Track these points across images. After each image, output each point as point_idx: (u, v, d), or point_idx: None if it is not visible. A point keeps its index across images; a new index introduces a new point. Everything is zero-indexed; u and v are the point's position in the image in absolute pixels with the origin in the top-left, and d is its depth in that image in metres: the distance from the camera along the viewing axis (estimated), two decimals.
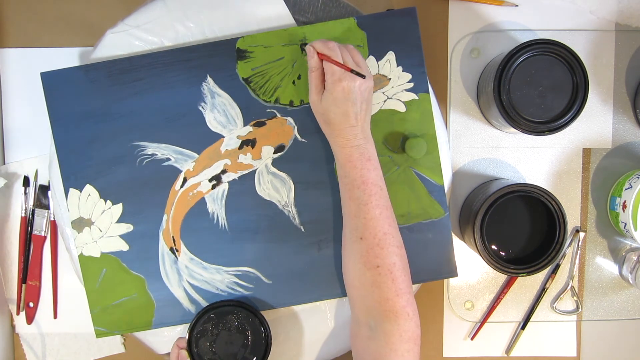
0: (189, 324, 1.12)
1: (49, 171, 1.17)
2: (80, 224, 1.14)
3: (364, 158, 1.03)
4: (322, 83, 1.05)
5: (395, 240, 1.02)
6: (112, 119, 1.14)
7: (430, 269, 1.13)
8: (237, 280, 1.15)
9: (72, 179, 1.14)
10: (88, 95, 1.13)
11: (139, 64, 1.13)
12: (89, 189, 1.14)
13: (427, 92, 1.14)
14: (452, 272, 1.16)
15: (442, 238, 1.16)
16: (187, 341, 1.10)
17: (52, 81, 1.13)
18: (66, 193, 1.14)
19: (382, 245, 1.01)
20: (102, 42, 1.15)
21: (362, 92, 1.02)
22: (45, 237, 1.25)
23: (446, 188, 1.16)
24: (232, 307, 1.11)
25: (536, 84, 1.10)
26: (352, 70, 1.00)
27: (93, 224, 1.14)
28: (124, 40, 1.15)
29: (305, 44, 1.13)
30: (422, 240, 1.15)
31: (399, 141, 1.15)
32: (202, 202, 1.15)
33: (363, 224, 1.02)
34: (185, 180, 1.14)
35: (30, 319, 1.25)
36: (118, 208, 1.14)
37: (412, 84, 1.14)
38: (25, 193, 1.24)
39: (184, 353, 1.09)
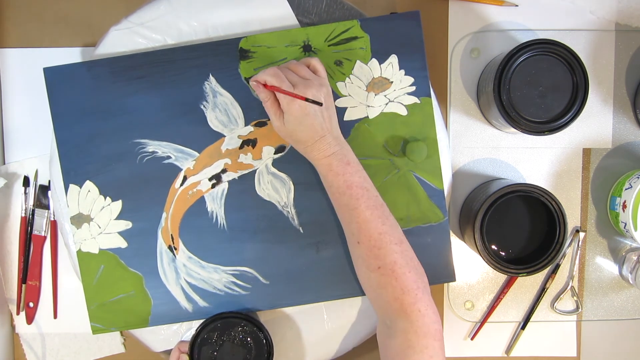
0: (192, 329, 1.12)
1: (50, 167, 1.17)
2: (79, 219, 1.14)
3: (342, 163, 1.03)
4: (279, 108, 1.05)
5: (394, 238, 1.01)
6: (114, 116, 1.14)
7: (428, 273, 1.12)
8: (234, 279, 1.15)
9: (72, 175, 1.14)
10: (90, 91, 1.14)
11: (142, 61, 1.14)
12: (89, 185, 1.14)
13: (429, 96, 1.14)
14: (450, 277, 1.16)
15: (441, 242, 1.16)
16: (190, 346, 1.09)
17: (54, 76, 1.14)
18: (66, 189, 1.14)
19: (379, 246, 1.00)
20: (106, 39, 1.15)
21: (325, 95, 1.04)
22: (45, 237, 1.24)
23: (446, 191, 1.16)
24: (240, 319, 1.11)
25: (536, 84, 1.10)
26: (306, 99, 1.00)
27: (92, 220, 1.14)
28: (127, 37, 1.15)
29: (309, 47, 1.14)
30: (421, 244, 1.14)
31: (400, 144, 1.15)
32: (201, 201, 1.15)
33: (357, 228, 1.02)
34: (185, 178, 1.14)
35: (30, 319, 1.25)
36: (117, 205, 1.14)
37: (414, 88, 1.15)
38: (25, 193, 1.24)
39: (185, 357, 1.09)
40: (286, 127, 1.04)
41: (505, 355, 1.26)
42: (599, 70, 1.22)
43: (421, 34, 1.14)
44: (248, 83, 1.14)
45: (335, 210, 1.07)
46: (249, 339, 1.10)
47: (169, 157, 1.14)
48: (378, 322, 1.05)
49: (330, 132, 1.04)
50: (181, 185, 1.14)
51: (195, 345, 1.10)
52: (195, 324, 1.17)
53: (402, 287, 0.98)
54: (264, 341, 1.10)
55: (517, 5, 1.22)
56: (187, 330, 1.18)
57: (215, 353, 1.10)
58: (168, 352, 1.19)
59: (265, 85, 1.03)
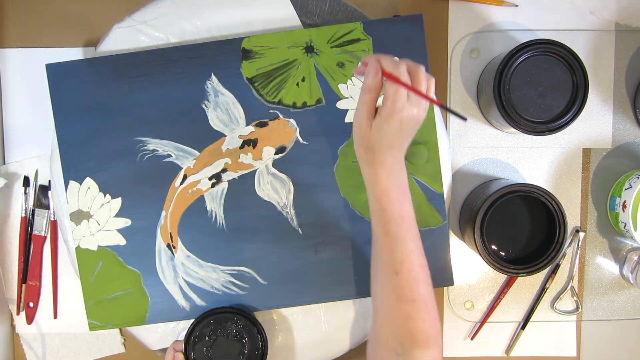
0: (187, 327, 1.11)
1: (50, 162, 1.17)
2: (78, 216, 1.15)
3: (400, 191, 0.97)
4: (375, 108, 0.94)
5: (426, 270, 0.99)
6: (115, 113, 1.14)
7: None
8: (232, 279, 1.14)
9: (73, 171, 1.14)
10: (92, 88, 1.14)
11: (145, 59, 1.14)
12: (89, 182, 1.14)
13: None
14: (449, 281, 1.16)
15: (440, 246, 1.16)
16: (184, 344, 1.09)
17: (56, 73, 1.14)
18: (66, 185, 1.15)
19: (418, 279, 0.96)
20: (109, 36, 1.16)
21: (416, 122, 0.94)
22: (45, 237, 1.24)
23: (445, 195, 1.16)
24: (232, 314, 1.10)
25: (536, 84, 1.10)
26: (449, 110, 0.90)
27: (91, 217, 1.14)
28: (130, 35, 1.16)
29: (312, 48, 1.14)
30: None
31: None
32: (201, 200, 1.15)
33: (400, 259, 0.96)
34: (185, 177, 1.14)
35: (30, 319, 1.25)
36: (117, 202, 1.15)
37: None
38: (25, 193, 1.24)
39: (180, 356, 1.09)
40: (372, 132, 0.94)
41: (505, 355, 1.25)
42: (599, 70, 1.22)
43: (423, 38, 1.14)
44: (250, 83, 1.14)
45: (374, 234, 1.00)
46: (242, 334, 1.10)
47: (169, 156, 1.14)
48: (376, 346, 1.02)
49: (403, 153, 0.97)
50: (181, 184, 1.14)
51: (190, 343, 1.09)
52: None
53: (430, 320, 0.96)
54: (258, 335, 1.10)
55: (517, 5, 1.22)
56: (184, 329, 1.17)
57: (210, 349, 1.09)
58: (164, 351, 1.18)
59: (383, 73, 0.92)
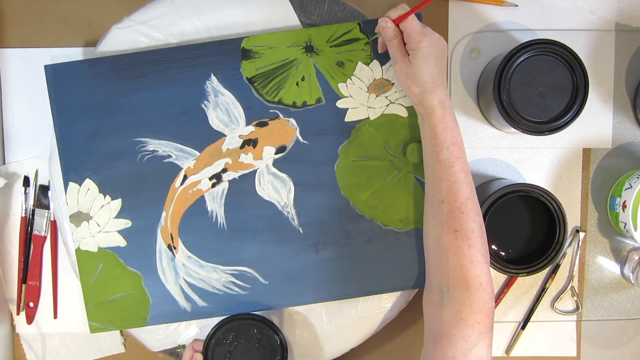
0: (193, 328, 1.13)
1: (49, 164, 1.17)
2: (78, 218, 1.14)
3: (453, 119, 1.03)
4: (404, 49, 1.05)
5: (476, 207, 1.01)
6: (115, 114, 1.14)
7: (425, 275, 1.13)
8: (233, 279, 1.14)
9: (72, 173, 1.14)
10: (91, 89, 1.14)
11: (144, 59, 1.14)
12: (88, 183, 1.14)
13: None
14: None
15: None
16: (204, 345, 1.09)
17: (55, 74, 1.14)
18: (65, 187, 1.14)
19: (462, 210, 1.00)
20: (108, 36, 1.16)
21: (443, 44, 1.05)
22: (45, 237, 1.24)
23: None
24: (257, 322, 1.10)
25: (536, 84, 1.09)
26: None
27: (91, 219, 1.14)
28: (129, 35, 1.15)
29: (311, 47, 1.14)
30: (419, 246, 1.14)
31: (400, 146, 1.14)
32: (201, 200, 1.15)
33: (447, 186, 1.01)
34: (185, 177, 1.14)
35: (30, 319, 1.25)
36: (117, 203, 1.14)
37: None
38: (25, 193, 1.23)
39: (199, 356, 1.09)
40: (412, 65, 1.03)
41: (505, 355, 1.25)
42: (599, 70, 1.22)
43: None
44: (250, 83, 1.14)
45: (426, 165, 1.06)
46: (264, 342, 1.10)
47: (169, 156, 1.14)
48: (428, 289, 1.05)
49: (445, 83, 1.04)
50: (181, 184, 1.14)
51: (210, 345, 1.09)
52: (194, 324, 1.17)
53: (472, 257, 0.98)
54: (279, 344, 1.10)
55: (517, 5, 1.22)
56: (186, 329, 1.17)
57: (229, 354, 1.09)
58: (166, 352, 1.19)
59: (395, 21, 1.04)
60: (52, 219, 1.24)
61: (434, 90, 1.03)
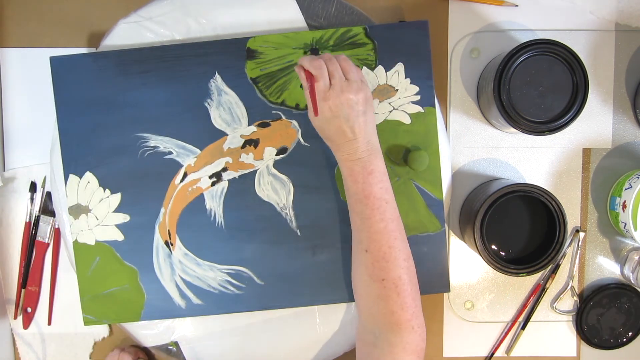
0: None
1: (50, 155, 1.17)
2: (77, 210, 1.14)
3: (365, 172, 1.00)
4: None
5: (402, 254, 1.00)
6: (118, 109, 1.14)
7: (423, 282, 1.12)
8: (229, 279, 1.15)
9: (73, 165, 1.14)
10: (95, 83, 1.14)
11: (149, 55, 1.14)
12: (88, 176, 1.14)
13: (434, 105, 1.15)
14: (445, 287, 1.16)
15: (437, 252, 1.16)
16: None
17: (60, 66, 1.14)
18: (66, 179, 1.15)
19: (387, 259, 0.99)
20: (114, 31, 1.16)
21: (352, 106, 0.99)
22: (48, 244, 1.23)
23: (445, 201, 1.16)
24: (630, 292, 1.22)
25: (536, 84, 1.09)
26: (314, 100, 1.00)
27: (90, 212, 1.14)
28: (135, 31, 1.15)
29: (316, 50, 1.14)
30: (417, 253, 1.13)
31: (402, 153, 1.15)
32: (200, 198, 1.15)
33: (367, 237, 1.00)
34: (185, 175, 1.14)
35: (26, 325, 1.24)
36: (116, 197, 1.14)
37: (419, 97, 1.15)
38: (31, 199, 1.23)
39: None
40: (317, 122, 1.02)
41: (505, 355, 1.26)
42: (599, 70, 1.22)
43: (428, 44, 1.14)
44: (254, 83, 1.14)
45: (350, 214, 1.04)
46: (632, 310, 1.21)
47: (170, 153, 1.14)
48: (361, 328, 1.04)
49: (363, 137, 1.00)
50: (181, 181, 1.14)
51: (586, 309, 1.23)
52: (191, 321, 1.18)
53: (402, 303, 0.98)
54: None
55: (517, 5, 1.22)
56: (180, 326, 1.17)
57: (600, 317, 1.22)
58: (158, 348, 1.19)
59: (306, 72, 1.01)
60: (56, 226, 1.23)
61: (339, 147, 1.01)
